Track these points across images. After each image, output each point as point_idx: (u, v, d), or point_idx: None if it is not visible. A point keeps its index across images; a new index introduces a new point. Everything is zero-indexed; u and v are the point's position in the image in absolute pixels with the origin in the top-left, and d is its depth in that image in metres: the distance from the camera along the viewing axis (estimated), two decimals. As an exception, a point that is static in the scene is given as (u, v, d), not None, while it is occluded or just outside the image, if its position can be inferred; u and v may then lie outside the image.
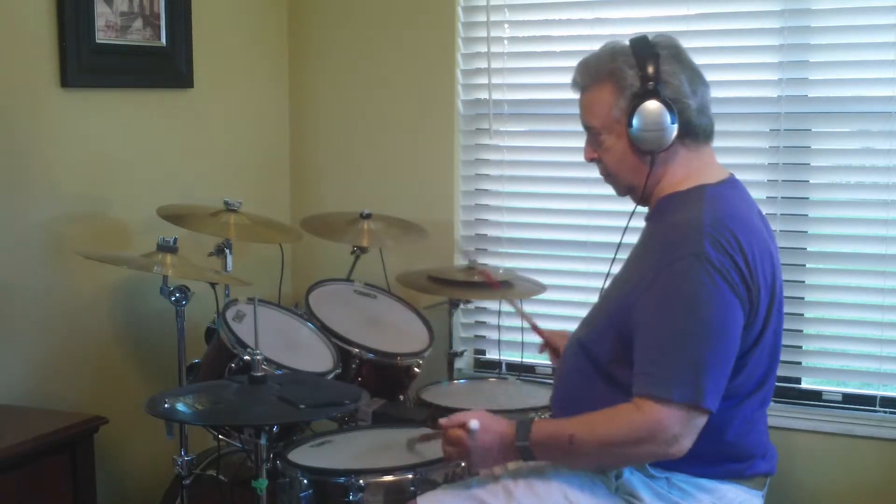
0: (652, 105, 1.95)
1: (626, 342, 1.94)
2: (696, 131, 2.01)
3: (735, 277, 1.87)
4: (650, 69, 1.96)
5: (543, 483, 2.00)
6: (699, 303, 1.85)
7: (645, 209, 2.11)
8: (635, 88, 1.97)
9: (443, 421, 2.05)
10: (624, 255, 2.12)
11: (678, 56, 2.01)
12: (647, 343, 1.90)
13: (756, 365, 1.97)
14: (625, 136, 2.00)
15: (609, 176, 2.10)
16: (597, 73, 2.03)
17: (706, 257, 1.85)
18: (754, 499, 2.03)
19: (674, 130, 1.97)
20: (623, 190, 2.10)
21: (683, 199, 1.99)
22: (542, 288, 3.09)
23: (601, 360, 2.00)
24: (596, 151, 2.07)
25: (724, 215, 1.92)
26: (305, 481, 2.19)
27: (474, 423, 1.98)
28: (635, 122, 1.97)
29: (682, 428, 1.85)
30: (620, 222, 2.14)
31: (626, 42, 2.03)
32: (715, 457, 1.98)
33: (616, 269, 2.13)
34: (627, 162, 2.03)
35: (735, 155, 3.05)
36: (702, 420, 1.87)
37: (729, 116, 3.06)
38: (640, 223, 2.11)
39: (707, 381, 1.84)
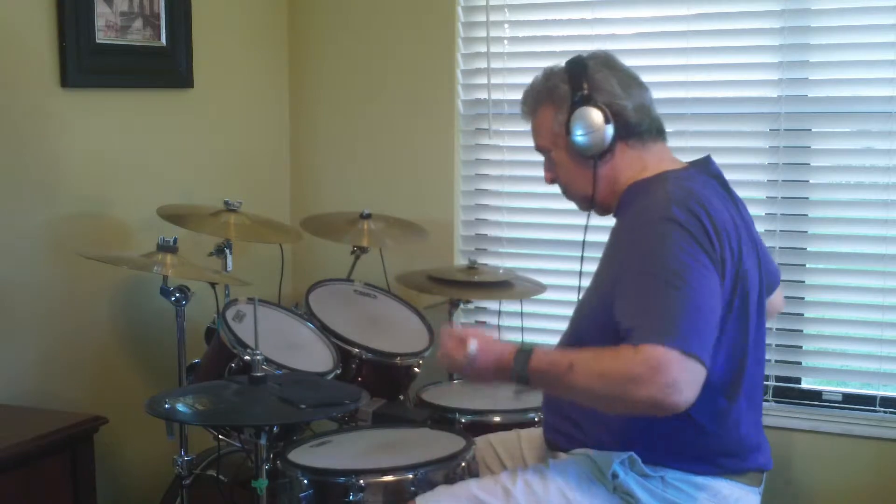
0: (584, 110, 2.03)
1: (611, 330, 1.92)
2: (638, 130, 2.07)
3: (703, 237, 1.88)
4: (581, 79, 2.05)
5: (542, 482, 2.01)
6: (671, 256, 1.86)
7: None
8: (569, 100, 2.05)
9: (444, 329, 2.03)
10: (597, 252, 2.13)
11: (607, 63, 2.09)
12: (630, 302, 1.87)
13: (730, 351, 1.96)
14: (566, 146, 2.07)
15: (566, 192, 2.17)
16: (536, 96, 2.14)
17: (675, 219, 1.88)
18: (751, 494, 2.03)
19: (610, 131, 2.03)
20: (581, 202, 2.16)
21: (647, 185, 2.04)
22: (543, 288, 3.09)
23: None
24: (552, 171, 2.16)
25: (690, 187, 1.97)
26: (306, 481, 2.19)
27: (473, 346, 1.94)
28: (572, 129, 2.04)
29: (680, 373, 1.76)
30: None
31: (563, 63, 2.12)
32: (705, 451, 1.98)
33: (587, 267, 2.16)
34: (574, 172, 2.10)
35: (735, 155, 3.06)
36: (699, 371, 1.79)
37: (729, 116, 3.07)
38: (605, 221, 2.15)
39: (689, 328, 1.79)
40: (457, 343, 1.98)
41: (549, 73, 2.12)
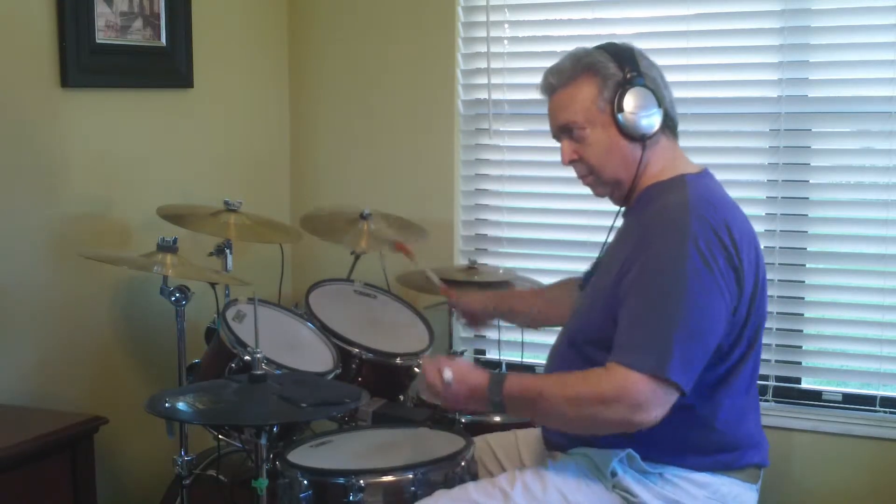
0: (640, 90, 1.98)
1: (612, 330, 1.94)
2: (672, 123, 2.06)
3: (719, 258, 1.88)
4: (626, 62, 2.01)
5: (540, 483, 2.01)
6: (677, 279, 1.86)
7: None
8: (618, 77, 2.00)
9: (424, 360, 2.10)
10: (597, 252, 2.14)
11: (644, 55, 2.07)
12: (624, 316, 1.91)
13: (743, 352, 1.98)
14: (612, 125, 2.00)
15: (591, 174, 2.07)
16: (573, 69, 2.03)
17: (692, 235, 1.87)
18: (748, 491, 2.04)
19: (660, 116, 2.00)
20: (607, 187, 2.09)
21: (666, 188, 2.01)
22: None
23: (589, 352, 2.01)
24: (577, 151, 2.06)
25: (709, 196, 1.96)
26: (305, 482, 2.19)
27: (448, 374, 1.99)
28: (626, 107, 1.98)
29: (649, 397, 1.84)
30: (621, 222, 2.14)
31: (590, 47, 2.08)
32: (704, 447, 1.99)
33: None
34: (616, 152, 2.02)
35: (735, 155, 3.06)
36: (671, 393, 1.86)
37: (729, 116, 3.07)
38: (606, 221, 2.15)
39: (674, 354, 1.83)
40: (436, 371, 2.02)
41: (585, 51, 2.05)
